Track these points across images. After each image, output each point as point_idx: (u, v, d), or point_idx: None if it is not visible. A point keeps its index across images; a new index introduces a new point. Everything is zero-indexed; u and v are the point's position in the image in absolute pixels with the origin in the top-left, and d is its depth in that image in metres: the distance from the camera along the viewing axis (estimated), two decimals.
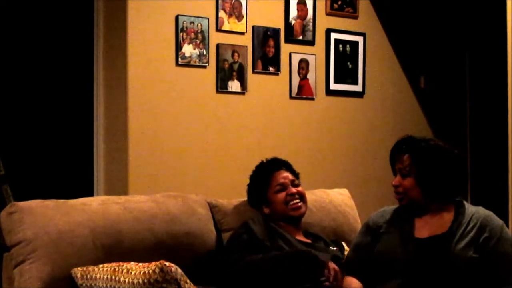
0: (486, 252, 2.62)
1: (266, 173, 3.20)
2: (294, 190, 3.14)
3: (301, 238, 3.12)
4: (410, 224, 2.74)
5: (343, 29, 5.07)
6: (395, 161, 2.79)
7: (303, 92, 4.87)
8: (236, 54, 4.53)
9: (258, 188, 3.19)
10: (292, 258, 2.75)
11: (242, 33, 4.58)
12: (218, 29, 4.47)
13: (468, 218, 2.69)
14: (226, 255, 2.89)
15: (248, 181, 3.29)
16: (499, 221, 2.71)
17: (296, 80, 4.84)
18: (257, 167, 3.27)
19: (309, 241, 3.13)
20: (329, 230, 3.37)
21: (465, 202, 2.79)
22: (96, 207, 2.85)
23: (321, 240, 3.18)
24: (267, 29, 4.69)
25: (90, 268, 2.57)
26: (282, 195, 3.12)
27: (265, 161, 3.27)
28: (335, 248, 3.14)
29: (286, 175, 3.18)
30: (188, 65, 4.35)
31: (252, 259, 2.79)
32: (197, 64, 4.39)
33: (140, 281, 2.36)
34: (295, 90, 4.84)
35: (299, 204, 3.12)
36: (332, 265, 2.77)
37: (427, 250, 2.66)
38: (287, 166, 3.25)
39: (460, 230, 2.67)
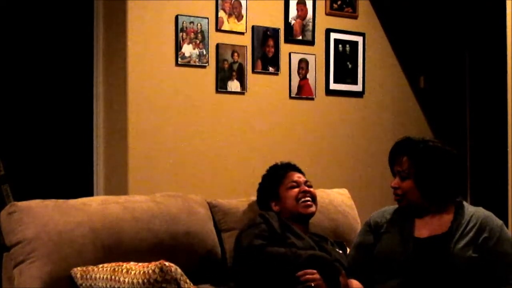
0: (486, 252, 2.62)
1: (280, 171, 3.24)
2: (307, 188, 3.17)
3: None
4: (410, 224, 2.74)
5: (342, 29, 5.07)
6: (394, 163, 2.78)
7: (303, 92, 4.88)
8: (235, 54, 4.53)
9: (270, 184, 3.21)
10: (312, 260, 2.77)
11: (242, 33, 4.58)
12: (218, 29, 4.48)
13: (468, 218, 2.70)
14: (248, 238, 2.88)
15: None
16: (498, 221, 2.71)
17: (295, 80, 4.84)
18: (272, 166, 3.30)
19: (317, 239, 3.14)
20: (329, 230, 3.37)
21: (464, 203, 2.79)
22: (96, 207, 2.85)
23: (327, 241, 3.19)
24: (266, 29, 4.69)
25: (90, 268, 2.57)
26: (294, 191, 3.15)
27: (279, 163, 3.31)
28: (340, 252, 3.14)
29: (300, 175, 3.24)
30: (187, 65, 4.35)
31: (275, 251, 2.81)
32: (197, 64, 4.39)
33: (140, 281, 2.37)
34: (294, 90, 4.84)
35: (309, 202, 3.14)
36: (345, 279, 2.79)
37: (426, 250, 2.66)
38: (301, 171, 3.29)
39: (460, 230, 2.67)
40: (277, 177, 3.21)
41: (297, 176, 3.21)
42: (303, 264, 2.75)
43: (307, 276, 2.70)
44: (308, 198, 3.15)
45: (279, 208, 3.14)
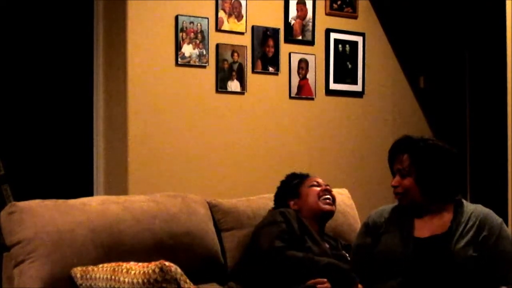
0: (486, 250, 2.62)
1: (302, 175, 3.31)
2: (329, 188, 3.24)
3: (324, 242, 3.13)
4: (410, 224, 2.75)
5: (342, 29, 5.06)
6: (394, 161, 2.79)
7: (303, 92, 4.88)
8: (235, 54, 4.53)
9: (291, 183, 3.26)
10: (329, 268, 2.80)
11: (242, 33, 4.58)
12: (218, 29, 4.47)
13: (467, 217, 2.70)
14: (269, 238, 2.90)
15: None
16: (498, 219, 2.71)
17: (295, 80, 4.84)
18: (291, 173, 3.36)
19: (331, 241, 3.16)
20: (329, 230, 3.37)
21: (463, 201, 2.79)
22: (95, 207, 2.85)
23: (338, 243, 3.20)
24: (266, 29, 4.69)
25: (90, 268, 2.57)
26: (316, 189, 3.21)
27: (298, 172, 3.37)
28: (347, 255, 3.15)
29: (322, 180, 3.29)
30: (187, 65, 4.36)
31: (294, 255, 2.83)
32: (197, 64, 4.39)
33: (140, 280, 2.37)
34: (294, 90, 4.84)
35: (330, 201, 3.20)
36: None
37: (427, 250, 2.66)
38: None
39: (460, 229, 2.67)
40: (299, 178, 3.28)
41: (320, 179, 3.28)
42: (319, 271, 2.76)
43: (318, 285, 2.72)
44: (329, 196, 3.20)
45: (298, 207, 3.17)
